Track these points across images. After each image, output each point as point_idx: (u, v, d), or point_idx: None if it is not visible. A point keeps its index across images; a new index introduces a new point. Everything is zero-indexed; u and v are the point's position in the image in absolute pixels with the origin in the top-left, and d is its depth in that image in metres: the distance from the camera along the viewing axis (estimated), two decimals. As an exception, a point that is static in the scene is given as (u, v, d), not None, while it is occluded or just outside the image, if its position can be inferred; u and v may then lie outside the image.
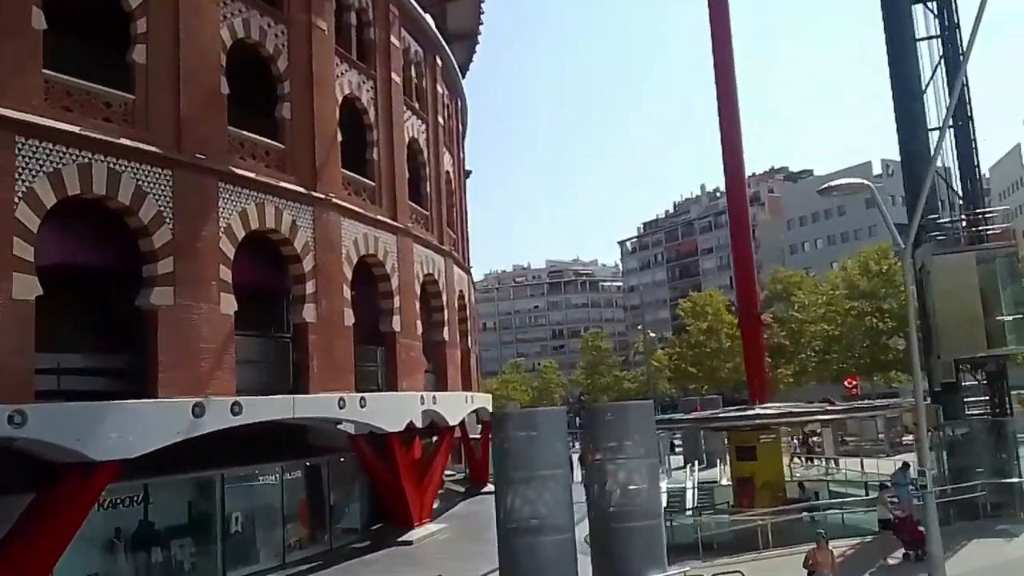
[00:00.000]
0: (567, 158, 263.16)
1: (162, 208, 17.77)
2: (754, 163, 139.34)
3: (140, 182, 17.37)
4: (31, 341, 14.96)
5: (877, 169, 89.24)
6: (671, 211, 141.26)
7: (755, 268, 28.53)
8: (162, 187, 17.83)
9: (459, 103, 37.98)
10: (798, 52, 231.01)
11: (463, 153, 41.33)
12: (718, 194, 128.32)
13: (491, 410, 39.58)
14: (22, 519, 15.15)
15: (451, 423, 27.94)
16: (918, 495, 20.54)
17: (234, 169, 19.66)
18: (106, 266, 18.02)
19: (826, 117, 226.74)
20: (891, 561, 16.63)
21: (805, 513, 20.99)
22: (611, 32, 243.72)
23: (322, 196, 22.35)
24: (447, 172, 33.75)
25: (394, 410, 23.75)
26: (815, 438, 39.83)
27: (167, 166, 17.94)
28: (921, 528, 17.09)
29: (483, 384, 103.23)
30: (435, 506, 32.63)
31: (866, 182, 13.15)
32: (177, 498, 20.28)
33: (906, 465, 21.20)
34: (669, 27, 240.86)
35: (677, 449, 45.64)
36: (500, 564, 12.51)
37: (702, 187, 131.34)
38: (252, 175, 20.15)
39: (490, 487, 38.91)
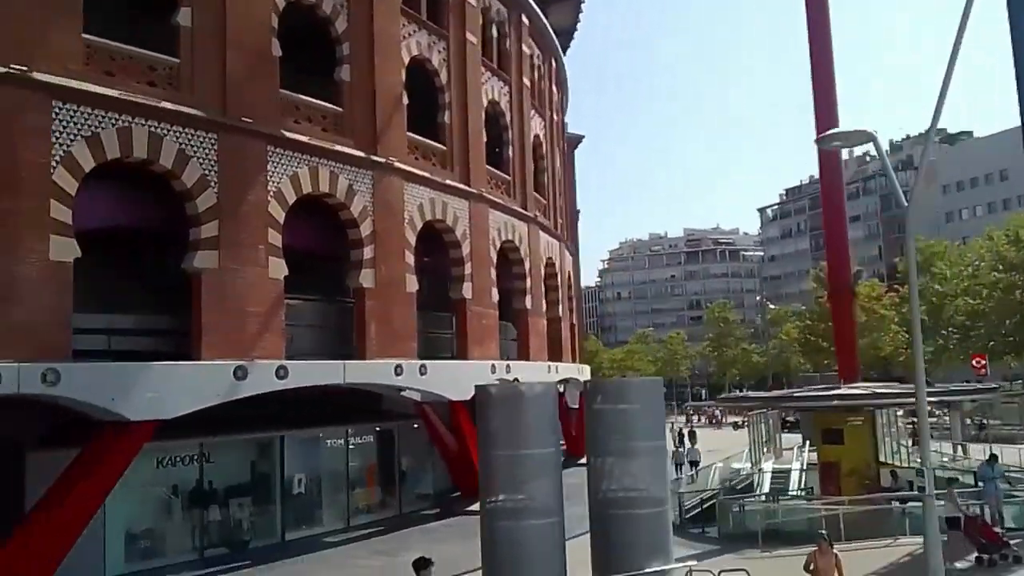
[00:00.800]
0: (707, 121, 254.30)
1: (207, 172, 17.79)
2: (909, 125, 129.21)
3: (183, 146, 17.42)
4: (69, 301, 15.28)
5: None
6: (816, 177, 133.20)
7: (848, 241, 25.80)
8: (207, 151, 17.83)
9: (553, 64, 36.61)
10: None
11: (561, 115, 40.04)
12: (868, 158, 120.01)
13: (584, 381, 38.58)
14: (65, 473, 15.61)
15: (527, 393, 27.05)
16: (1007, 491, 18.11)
17: (285, 132, 19.46)
18: (159, 229, 18.28)
19: (991, 73, 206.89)
20: (959, 565, 14.38)
21: (896, 504, 18.74)
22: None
23: (382, 160, 21.89)
24: (536, 135, 32.64)
25: (460, 378, 23.12)
26: (931, 420, 36.05)
27: (212, 129, 17.91)
28: (997, 529, 14.76)
29: (609, 354, 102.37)
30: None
31: (870, 131, 11.10)
32: (237, 458, 20.61)
33: (994, 457, 18.49)
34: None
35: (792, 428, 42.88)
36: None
37: (850, 152, 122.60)
38: (304, 139, 19.90)
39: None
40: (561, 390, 34.89)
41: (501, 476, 10.74)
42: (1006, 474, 20.40)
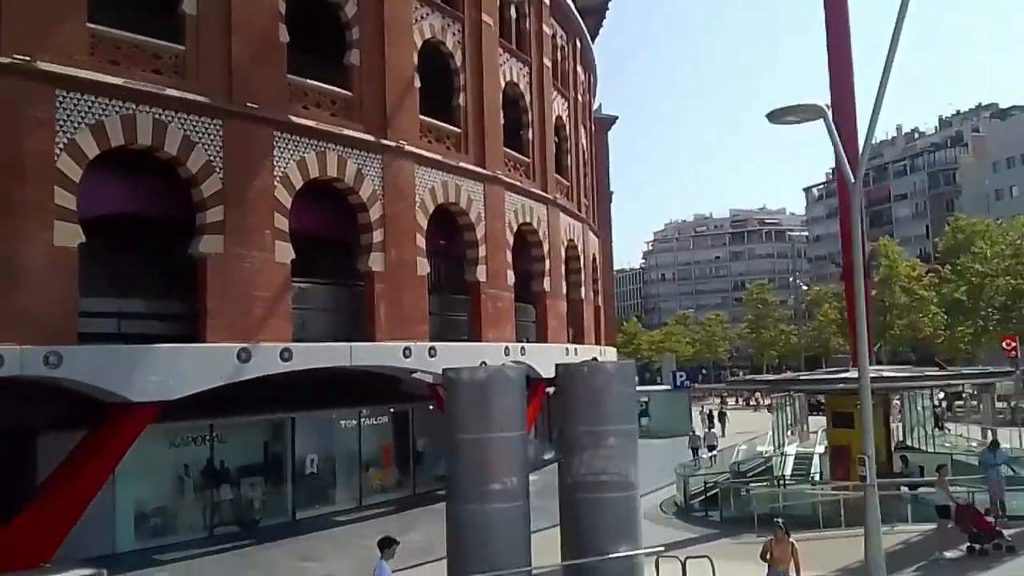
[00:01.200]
0: (752, 100, 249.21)
1: (212, 158, 17.92)
2: (959, 99, 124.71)
3: (188, 132, 17.56)
4: (74, 286, 15.56)
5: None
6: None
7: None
8: (212, 137, 17.96)
9: (579, 44, 36.03)
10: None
11: (588, 96, 39.46)
12: (916, 135, 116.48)
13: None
14: (72, 453, 15.99)
15: (543, 375, 26.90)
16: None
17: (292, 118, 19.49)
18: (169, 215, 18.46)
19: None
20: (949, 555, 13.88)
21: (905, 490, 18.24)
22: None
23: (392, 144, 21.82)
24: (558, 117, 32.24)
25: (471, 360, 23.01)
26: (960, 403, 35.05)
27: (217, 116, 18.02)
28: (990, 519, 14.21)
29: (648, 336, 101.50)
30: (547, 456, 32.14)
31: (820, 104, 10.62)
32: (249, 439, 20.96)
33: (995, 444, 17.79)
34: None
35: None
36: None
37: (898, 128, 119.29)
38: (312, 123, 19.91)
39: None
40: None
41: (468, 459, 10.67)
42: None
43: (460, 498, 10.64)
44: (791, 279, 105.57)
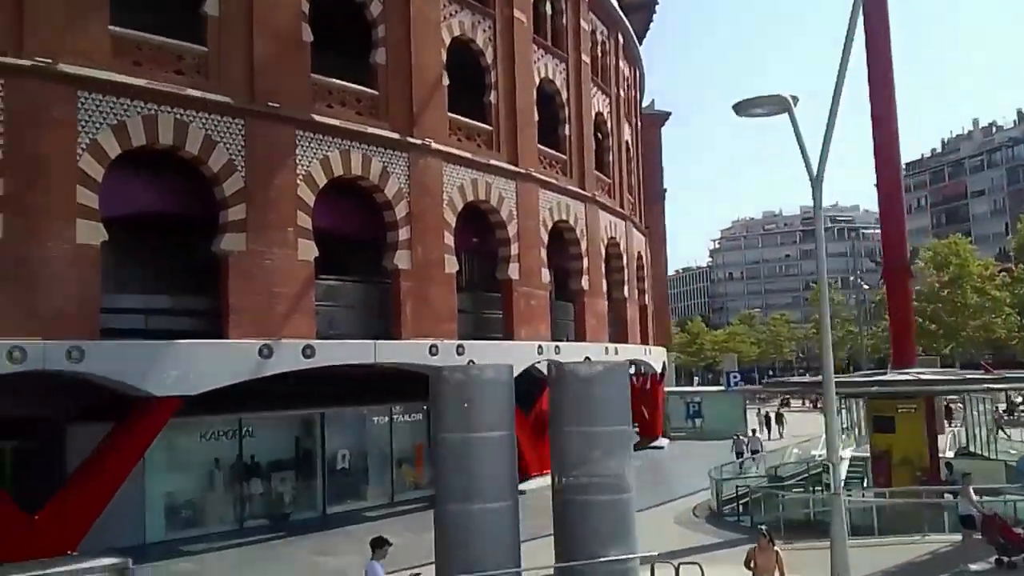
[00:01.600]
0: (827, 93, 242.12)
1: (233, 156, 18.13)
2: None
3: (210, 131, 17.80)
4: (96, 282, 15.92)
5: None
6: (938, 150, 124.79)
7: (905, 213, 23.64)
8: (233, 136, 18.17)
9: (621, 38, 35.41)
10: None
11: (632, 92, 38.77)
12: (994, 129, 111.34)
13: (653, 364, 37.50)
14: (99, 446, 16.35)
15: (580, 375, 26.45)
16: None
17: (315, 117, 19.59)
18: (193, 213, 18.75)
19: None
20: (975, 567, 12.85)
21: (947, 496, 17.13)
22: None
23: (419, 142, 21.76)
24: (598, 113, 31.74)
25: (502, 359, 22.74)
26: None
27: (238, 115, 18.23)
28: (1019, 530, 13.15)
29: (711, 336, 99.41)
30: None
31: (785, 95, 10.09)
32: (279, 433, 21.15)
33: None
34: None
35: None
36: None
37: (975, 122, 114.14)
38: (336, 122, 19.98)
39: (661, 441, 37.26)
40: (633, 371, 34.10)
41: (452, 459, 10.40)
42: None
43: (446, 498, 10.38)
44: (851, 278, 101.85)
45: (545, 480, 24.23)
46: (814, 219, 10.77)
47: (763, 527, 9.89)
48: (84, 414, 17.57)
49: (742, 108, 10.58)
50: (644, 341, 36.53)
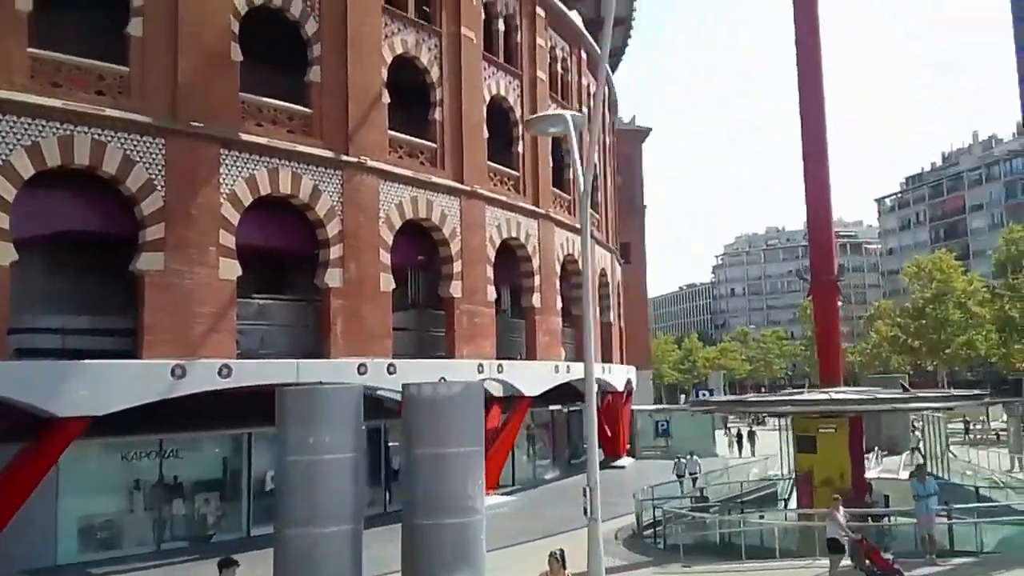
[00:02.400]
0: (831, 106, 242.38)
1: (153, 176, 18.35)
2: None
3: (129, 151, 18.04)
4: (5, 303, 16.10)
5: None
6: (938, 164, 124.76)
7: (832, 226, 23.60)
8: (153, 155, 18.39)
9: (584, 53, 35.55)
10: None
11: (597, 108, 38.83)
12: (994, 143, 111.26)
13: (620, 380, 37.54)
14: (6, 466, 16.52)
15: (526, 393, 26.58)
16: (945, 509, 16.23)
17: (242, 135, 19.81)
18: (112, 232, 18.92)
19: None
20: None
21: (870, 520, 17.15)
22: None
23: (354, 159, 21.95)
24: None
25: (437, 377, 22.91)
26: (978, 426, 32.93)
27: (159, 135, 18.46)
28: (887, 555, 13.17)
29: (704, 353, 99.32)
30: (550, 475, 31.64)
31: (566, 114, 10.31)
32: (205, 454, 21.23)
33: (923, 472, 16.50)
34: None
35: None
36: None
37: (974, 134, 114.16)
38: (263, 140, 20.18)
39: (624, 460, 37.24)
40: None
41: (293, 481, 10.52)
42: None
43: (286, 522, 10.48)
44: (840, 298, 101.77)
45: (488, 501, 24.42)
46: (581, 234, 11.13)
47: (556, 552, 9.83)
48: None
49: (532, 126, 10.95)
50: (607, 359, 36.57)
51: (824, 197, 22.10)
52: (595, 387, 11.55)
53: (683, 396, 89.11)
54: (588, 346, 11.17)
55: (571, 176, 33.38)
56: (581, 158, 11.10)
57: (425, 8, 25.87)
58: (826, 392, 19.58)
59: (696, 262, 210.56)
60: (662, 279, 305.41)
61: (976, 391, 28.95)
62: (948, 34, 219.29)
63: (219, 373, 18.34)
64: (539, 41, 30.55)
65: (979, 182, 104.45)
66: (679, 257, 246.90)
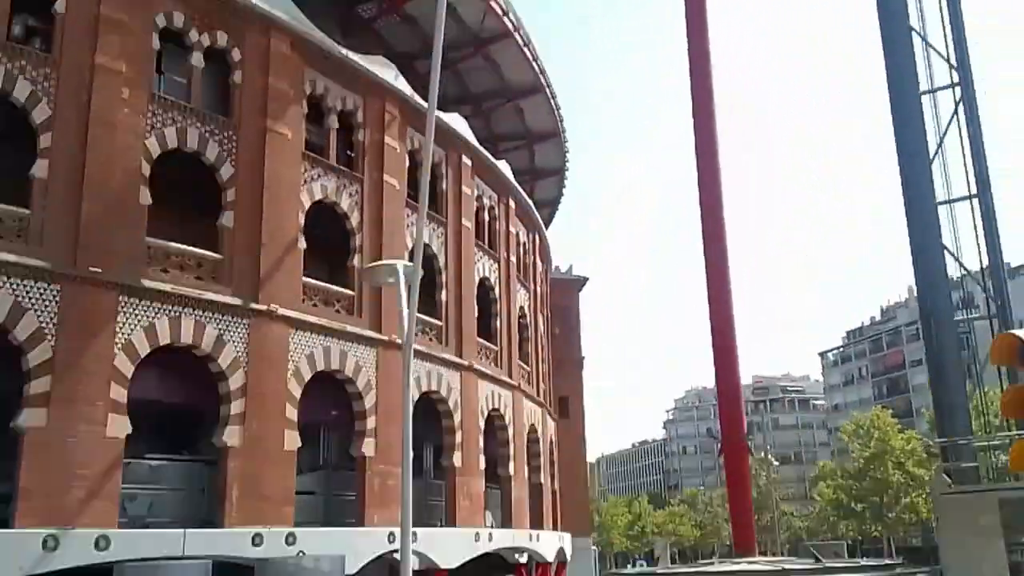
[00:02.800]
0: (776, 260, 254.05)
1: (44, 324, 18.30)
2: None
3: (20, 298, 18.05)
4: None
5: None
6: (877, 318, 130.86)
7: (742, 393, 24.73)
8: (47, 303, 18.42)
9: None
10: None
11: (529, 257, 40.47)
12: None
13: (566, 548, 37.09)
14: None
15: (441, 566, 26.05)
16: None
17: (144, 282, 20.01)
18: (3, 388, 18.59)
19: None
20: None
21: None
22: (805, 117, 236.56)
23: (263, 307, 22.25)
24: (484, 279, 32.95)
25: (344, 549, 22.43)
26: None
27: (55, 280, 18.56)
28: None
29: (652, 517, 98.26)
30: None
31: (396, 263, 12.39)
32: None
33: None
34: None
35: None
36: None
37: (910, 289, 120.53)
38: (167, 287, 20.40)
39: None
40: (521, 560, 33.64)
41: None
42: None
43: None
44: (768, 457, 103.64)
45: None
46: (403, 385, 12.82)
47: None
48: None
49: (366, 276, 11.99)
50: (536, 525, 36.18)
51: (732, 366, 23.18)
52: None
53: (628, 565, 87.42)
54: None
55: (499, 325, 34.28)
56: (409, 302, 12.80)
57: (349, 154, 27.10)
58: (737, 563, 19.84)
59: (652, 415, 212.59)
60: (616, 435, 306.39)
61: (888, 561, 29.53)
62: (883, 188, 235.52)
63: (96, 545, 17.67)
64: (465, 190, 32.00)
65: (917, 336, 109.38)
66: (633, 412, 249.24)
